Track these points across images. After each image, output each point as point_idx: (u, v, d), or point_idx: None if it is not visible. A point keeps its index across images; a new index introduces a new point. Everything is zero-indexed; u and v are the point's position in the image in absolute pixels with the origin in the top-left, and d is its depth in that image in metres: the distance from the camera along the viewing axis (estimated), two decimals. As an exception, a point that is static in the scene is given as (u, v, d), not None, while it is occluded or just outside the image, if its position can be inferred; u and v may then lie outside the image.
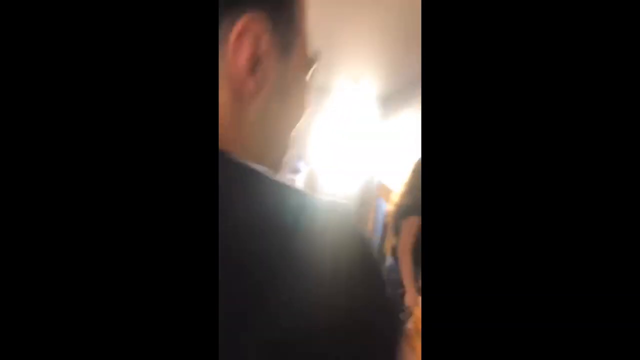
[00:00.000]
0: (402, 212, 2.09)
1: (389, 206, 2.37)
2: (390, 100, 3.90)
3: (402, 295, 1.98)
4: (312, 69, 0.36)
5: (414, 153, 2.73)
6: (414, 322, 2.08)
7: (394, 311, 0.32)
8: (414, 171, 2.19)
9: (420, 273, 1.99)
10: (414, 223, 2.06)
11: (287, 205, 0.28)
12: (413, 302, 2.02)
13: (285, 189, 0.29)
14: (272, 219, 0.27)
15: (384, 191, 3.41)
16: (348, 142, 4.24)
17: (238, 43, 0.29)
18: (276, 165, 0.35)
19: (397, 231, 2.12)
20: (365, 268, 0.29)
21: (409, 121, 3.37)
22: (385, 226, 2.82)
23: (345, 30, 2.43)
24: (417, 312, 2.02)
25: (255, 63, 0.30)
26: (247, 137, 0.31)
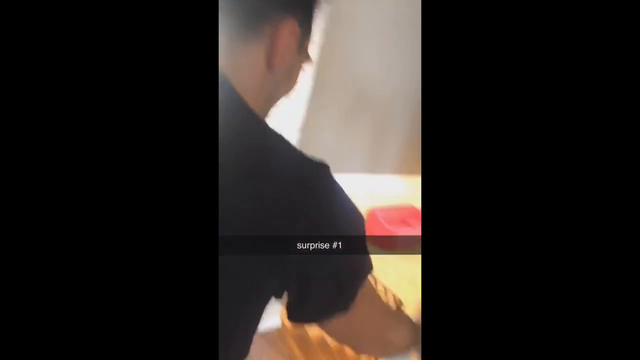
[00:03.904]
0: None
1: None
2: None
3: None
4: (308, 62, 0.53)
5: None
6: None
7: None
8: None
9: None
10: None
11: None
12: None
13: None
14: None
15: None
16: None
17: (284, 38, 0.44)
18: (264, 112, 0.51)
19: None
20: None
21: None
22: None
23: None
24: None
25: (286, 51, 0.46)
26: (260, 88, 0.47)
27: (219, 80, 0.41)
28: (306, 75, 1.42)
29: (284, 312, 0.45)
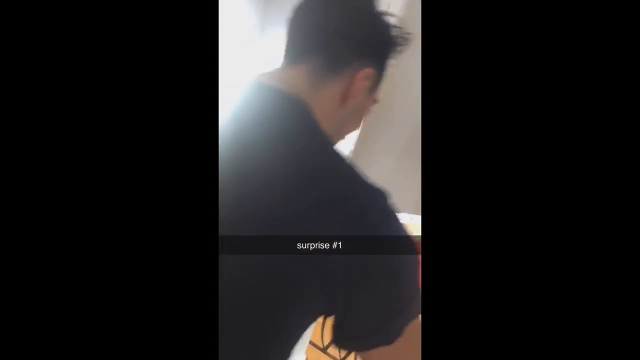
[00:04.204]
0: None
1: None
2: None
3: None
4: (374, 105, 0.60)
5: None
6: None
7: None
8: None
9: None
10: None
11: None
12: None
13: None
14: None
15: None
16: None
17: (359, 81, 0.51)
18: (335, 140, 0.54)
19: None
20: None
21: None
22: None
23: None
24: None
25: (358, 93, 0.53)
26: (331, 120, 0.51)
27: (299, 106, 0.47)
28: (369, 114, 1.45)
29: (311, 348, 0.43)
